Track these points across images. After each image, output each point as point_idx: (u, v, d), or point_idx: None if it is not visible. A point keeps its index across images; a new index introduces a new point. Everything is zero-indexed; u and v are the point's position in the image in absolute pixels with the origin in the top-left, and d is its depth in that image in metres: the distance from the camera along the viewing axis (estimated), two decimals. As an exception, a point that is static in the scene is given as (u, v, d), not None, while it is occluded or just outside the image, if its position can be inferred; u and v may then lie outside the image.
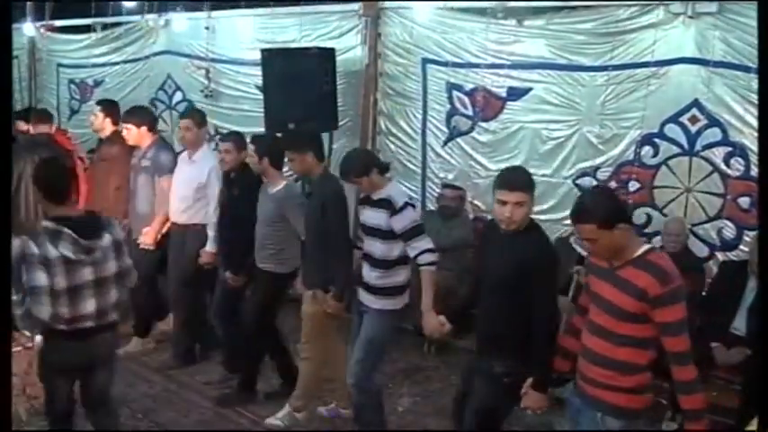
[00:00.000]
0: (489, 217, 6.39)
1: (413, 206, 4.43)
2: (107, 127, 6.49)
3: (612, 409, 3.19)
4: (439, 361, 6.10)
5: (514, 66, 6.28)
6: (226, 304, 5.63)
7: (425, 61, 6.77)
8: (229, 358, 5.76)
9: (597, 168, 6.01)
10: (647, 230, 5.86)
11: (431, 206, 6.86)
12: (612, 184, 5.93)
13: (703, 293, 5.27)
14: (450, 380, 5.71)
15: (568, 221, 5.51)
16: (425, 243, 4.30)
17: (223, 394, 5.51)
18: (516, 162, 5.95)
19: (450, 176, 6.73)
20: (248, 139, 5.50)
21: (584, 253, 4.94)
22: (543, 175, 6.02)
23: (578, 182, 6.08)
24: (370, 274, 4.49)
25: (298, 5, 7.41)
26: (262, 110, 7.05)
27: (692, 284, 5.28)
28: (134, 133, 6.09)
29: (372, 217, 4.45)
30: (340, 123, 7.03)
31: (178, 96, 8.50)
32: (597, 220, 3.10)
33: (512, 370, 3.59)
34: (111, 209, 5.79)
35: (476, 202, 6.58)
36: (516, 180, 3.58)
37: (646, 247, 3.19)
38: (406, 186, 6.70)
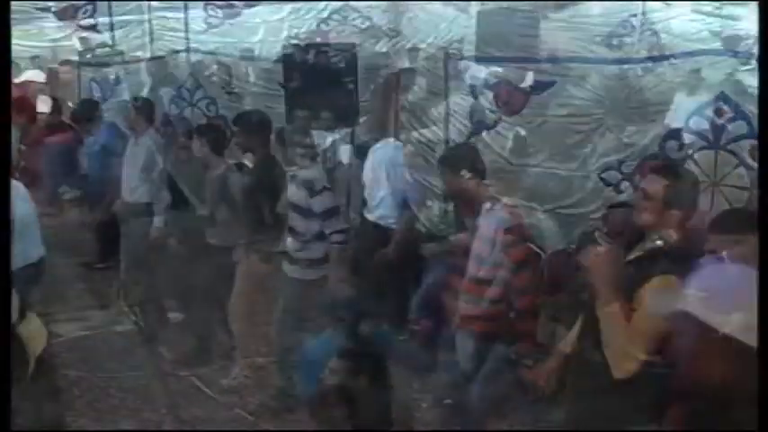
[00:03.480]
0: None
1: (330, 190, 5.09)
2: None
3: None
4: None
5: (538, 59, 6.24)
6: None
7: (448, 55, 6.74)
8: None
9: (622, 162, 5.94)
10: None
11: (453, 202, 6.81)
12: (638, 178, 5.88)
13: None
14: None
15: (594, 216, 5.54)
16: (338, 224, 4.99)
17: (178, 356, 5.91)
18: (541, 157, 5.92)
19: (474, 171, 6.64)
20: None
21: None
22: (568, 169, 5.97)
23: (603, 175, 6.02)
24: (290, 247, 5.03)
25: (320, 1, 7.41)
26: (284, 106, 7.07)
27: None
28: None
29: (295, 194, 4.94)
30: (362, 119, 7.02)
31: (200, 93, 8.50)
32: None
33: None
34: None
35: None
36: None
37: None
38: (428, 182, 6.68)
